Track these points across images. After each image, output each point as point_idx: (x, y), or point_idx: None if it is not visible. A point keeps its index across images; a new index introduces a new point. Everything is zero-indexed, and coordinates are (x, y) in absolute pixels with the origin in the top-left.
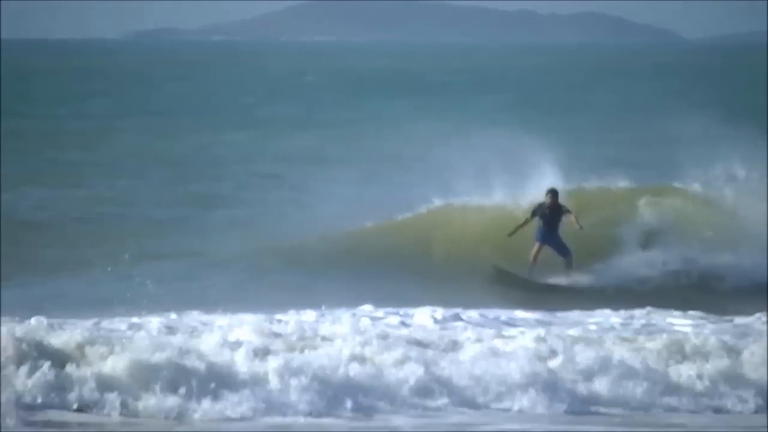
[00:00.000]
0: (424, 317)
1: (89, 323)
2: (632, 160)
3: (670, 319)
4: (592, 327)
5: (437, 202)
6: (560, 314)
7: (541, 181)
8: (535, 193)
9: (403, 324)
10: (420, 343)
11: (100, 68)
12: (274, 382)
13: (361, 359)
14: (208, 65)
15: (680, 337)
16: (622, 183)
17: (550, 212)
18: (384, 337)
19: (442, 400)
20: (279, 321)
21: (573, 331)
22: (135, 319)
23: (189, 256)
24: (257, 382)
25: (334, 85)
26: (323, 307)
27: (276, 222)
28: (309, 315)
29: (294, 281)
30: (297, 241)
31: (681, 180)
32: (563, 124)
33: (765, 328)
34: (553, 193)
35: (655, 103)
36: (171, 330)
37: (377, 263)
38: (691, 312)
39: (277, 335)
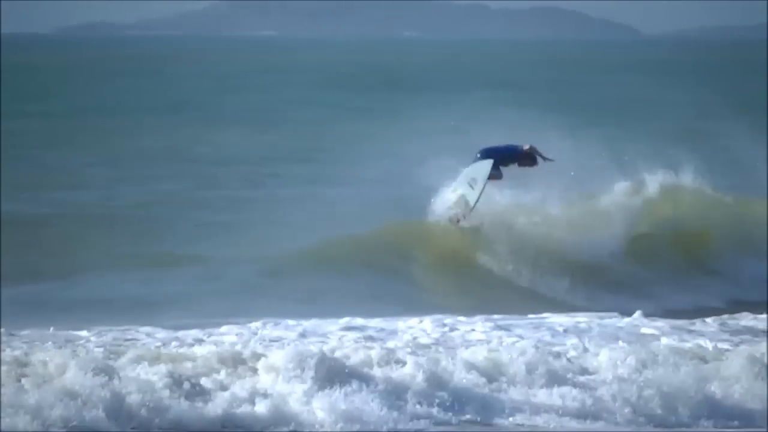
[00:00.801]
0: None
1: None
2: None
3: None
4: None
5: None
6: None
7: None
8: (533, 194)
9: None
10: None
11: (38, 65)
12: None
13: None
14: (155, 60)
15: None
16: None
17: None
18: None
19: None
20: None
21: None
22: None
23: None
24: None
25: (297, 80)
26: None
27: (275, 224)
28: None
29: (297, 285)
30: (297, 244)
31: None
32: (549, 121)
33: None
34: (532, 159)
35: (629, 97)
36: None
37: (379, 267)
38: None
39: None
